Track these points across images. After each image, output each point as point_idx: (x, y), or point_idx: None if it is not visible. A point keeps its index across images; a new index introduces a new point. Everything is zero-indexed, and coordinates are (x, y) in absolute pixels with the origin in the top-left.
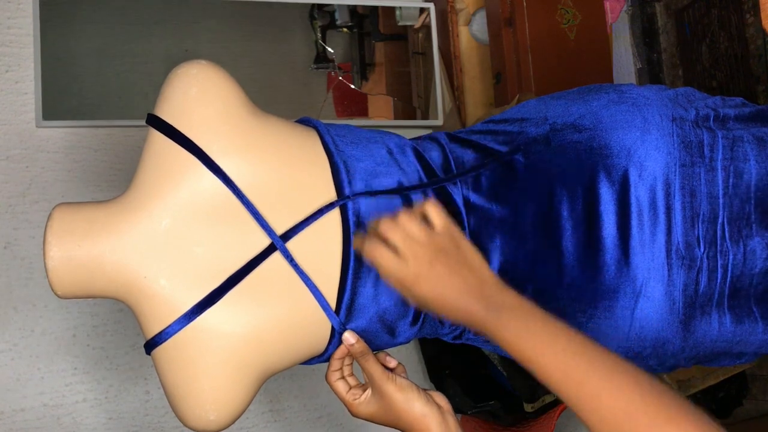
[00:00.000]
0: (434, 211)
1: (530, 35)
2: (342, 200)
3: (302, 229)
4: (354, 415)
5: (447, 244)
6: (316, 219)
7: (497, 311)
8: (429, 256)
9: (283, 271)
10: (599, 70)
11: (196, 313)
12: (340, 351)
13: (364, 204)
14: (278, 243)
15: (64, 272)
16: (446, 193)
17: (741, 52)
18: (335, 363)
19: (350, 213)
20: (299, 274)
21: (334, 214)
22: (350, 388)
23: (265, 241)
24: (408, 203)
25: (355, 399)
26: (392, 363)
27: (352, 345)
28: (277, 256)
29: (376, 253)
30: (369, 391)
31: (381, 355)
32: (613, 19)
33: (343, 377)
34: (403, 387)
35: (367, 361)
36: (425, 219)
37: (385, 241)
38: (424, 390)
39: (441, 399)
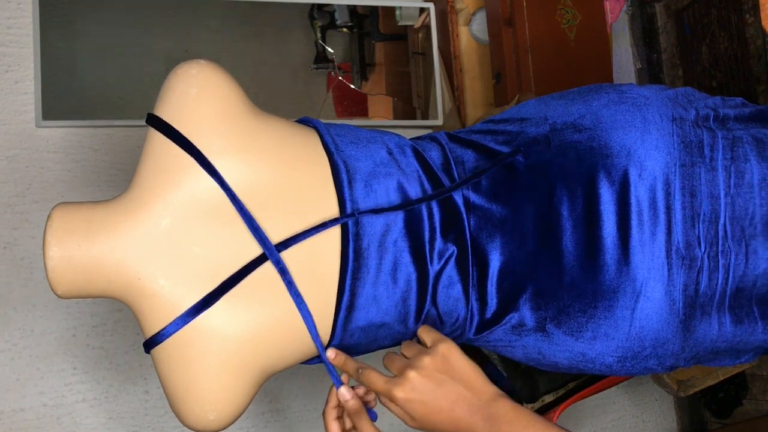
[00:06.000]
0: (425, 331)
1: (530, 35)
2: (345, 218)
3: (300, 240)
4: None
5: (440, 365)
6: (316, 233)
7: (496, 423)
8: (425, 382)
9: None
10: (599, 70)
11: (196, 313)
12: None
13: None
14: (273, 256)
15: (64, 272)
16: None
17: (741, 53)
18: (334, 397)
19: (350, 222)
20: (291, 292)
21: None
22: (343, 431)
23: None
24: (410, 215)
25: None
26: (369, 397)
27: (347, 401)
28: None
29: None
30: None
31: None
32: (613, 19)
33: (341, 417)
34: None
35: (361, 419)
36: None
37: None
38: None
39: None
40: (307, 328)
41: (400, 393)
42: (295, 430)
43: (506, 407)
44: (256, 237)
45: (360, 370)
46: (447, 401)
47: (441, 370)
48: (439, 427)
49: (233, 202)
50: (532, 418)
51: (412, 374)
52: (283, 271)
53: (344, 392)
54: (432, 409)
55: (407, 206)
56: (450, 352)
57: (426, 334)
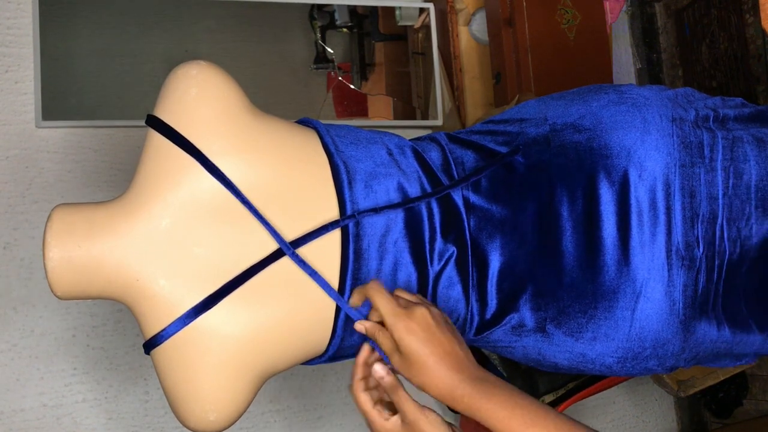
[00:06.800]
0: (432, 304)
1: (530, 35)
2: (347, 220)
3: (309, 241)
4: None
5: (448, 320)
6: (319, 236)
7: (483, 385)
8: (432, 322)
9: (287, 274)
10: (599, 70)
11: (196, 314)
12: (363, 354)
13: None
14: (289, 251)
15: (64, 273)
16: (446, 194)
17: (741, 53)
18: (360, 370)
19: (350, 223)
20: (314, 277)
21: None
22: (375, 402)
23: (269, 246)
24: (410, 215)
25: (385, 418)
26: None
27: (383, 378)
28: (282, 260)
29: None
30: (398, 417)
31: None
32: (613, 19)
33: (368, 389)
34: (434, 423)
35: (398, 393)
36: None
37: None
38: (450, 425)
39: None
40: (329, 295)
41: (404, 319)
42: (295, 430)
43: (492, 376)
44: (272, 234)
45: (371, 284)
46: (442, 349)
47: (447, 324)
48: (421, 371)
49: (242, 202)
50: (516, 390)
51: (422, 309)
52: (303, 263)
53: (378, 369)
54: (426, 349)
55: (407, 204)
56: (452, 324)
57: (434, 306)
